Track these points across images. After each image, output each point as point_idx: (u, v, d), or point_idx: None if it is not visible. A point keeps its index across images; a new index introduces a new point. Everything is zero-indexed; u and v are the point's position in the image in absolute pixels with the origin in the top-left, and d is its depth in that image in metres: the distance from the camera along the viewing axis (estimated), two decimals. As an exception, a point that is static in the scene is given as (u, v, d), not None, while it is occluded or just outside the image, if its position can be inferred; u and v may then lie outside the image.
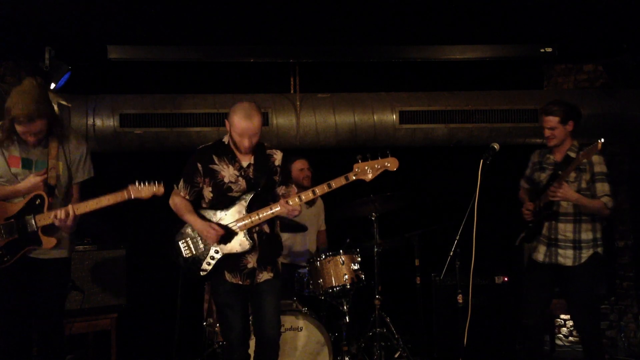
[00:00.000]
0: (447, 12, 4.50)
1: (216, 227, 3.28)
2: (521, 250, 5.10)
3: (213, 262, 3.34)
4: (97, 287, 4.68)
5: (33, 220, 3.23)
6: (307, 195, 3.30)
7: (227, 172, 3.35)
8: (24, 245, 3.24)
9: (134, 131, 5.08)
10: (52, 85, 4.71)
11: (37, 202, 3.24)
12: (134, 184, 3.25)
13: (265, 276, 3.38)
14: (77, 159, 3.39)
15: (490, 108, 5.31)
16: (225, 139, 3.42)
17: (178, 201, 3.41)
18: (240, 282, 3.35)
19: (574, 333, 5.68)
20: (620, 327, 5.63)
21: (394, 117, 5.25)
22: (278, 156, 3.48)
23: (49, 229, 3.25)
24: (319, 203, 5.05)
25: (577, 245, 3.79)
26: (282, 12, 4.46)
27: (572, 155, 3.80)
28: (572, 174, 3.74)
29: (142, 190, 3.24)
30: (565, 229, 3.81)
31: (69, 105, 5.02)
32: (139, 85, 5.42)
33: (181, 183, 3.41)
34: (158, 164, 5.49)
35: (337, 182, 3.28)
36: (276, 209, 3.27)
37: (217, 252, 3.34)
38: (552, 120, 3.78)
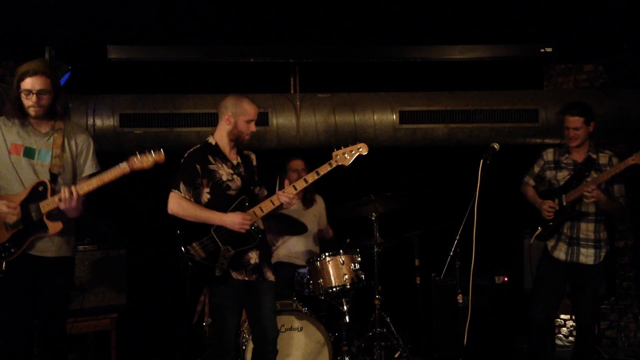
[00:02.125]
0: (447, 12, 4.50)
1: (246, 214, 3.36)
2: (521, 250, 5.11)
3: (226, 260, 3.37)
4: (97, 287, 4.68)
5: (37, 208, 3.21)
6: (300, 184, 3.44)
7: (224, 171, 3.45)
8: (30, 234, 3.23)
9: (133, 131, 5.07)
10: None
11: (40, 189, 3.23)
12: (135, 155, 3.23)
13: (270, 276, 3.52)
14: (84, 152, 3.40)
15: (490, 108, 5.30)
16: (212, 140, 3.53)
17: (185, 203, 3.36)
18: (246, 278, 3.41)
19: (574, 333, 5.68)
20: (620, 327, 5.63)
21: (394, 117, 5.25)
22: (253, 157, 3.70)
23: (54, 215, 3.24)
24: (319, 203, 5.05)
25: (597, 244, 3.92)
26: (282, 12, 4.45)
27: (593, 156, 3.94)
28: (594, 174, 3.87)
29: (143, 160, 3.22)
30: (588, 229, 3.93)
31: (69, 105, 5.01)
32: (139, 85, 5.42)
33: (182, 187, 3.37)
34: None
35: (323, 169, 3.47)
36: (277, 200, 3.41)
37: (228, 250, 3.37)
38: (578, 120, 3.89)
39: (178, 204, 3.36)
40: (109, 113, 5.07)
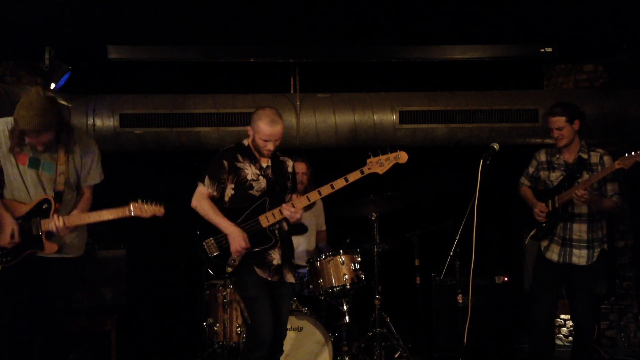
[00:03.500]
0: (447, 12, 4.50)
1: (247, 241, 3.38)
2: (522, 250, 5.12)
3: (238, 258, 3.43)
4: (97, 287, 4.68)
5: (38, 224, 3.24)
6: (326, 190, 3.45)
7: (250, 171, 3.53)
8: (26, 248, 3.25)
9: (134, 131, 5.07)
10: (52, 85, 4.71)
11: (44, 207, 3.26)
12: (136, 201, 3.30)
13: (291, 278, 3.58)
14: (88, 163, 3.42)
15: (490, 108, 5.30)
16: (245, 142, 3.61)
17: (205, 203, 3.49)
18: (269, 278, 3.47)
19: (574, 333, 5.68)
20: (620, 327, 5.63)
21: (394, 117, 5.25)
22: (290, 163, 3.73)
23: (53, 235, 3.26)
24: (319, 204, 5.04)
25: (590, 245, 3.91)
26: (282, 12, 4.45)
27: (584, 156, 3.92)
28: (585, 175, 3.85)
29: (143, 209, 3.30)
30: (580, 229, 3.92)
31: (69, 105, 5.02)
32: (139, 85, 5.42)
33: (207, 180, 3.51)
34: (158, 164, 5.49)
35: (353, 176, 3.45)
36: (279, 214, 3.44)
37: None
38: (559, 120, 3.87)
39: (198, 201, 3.52)
40: (109, 113, 5.07)
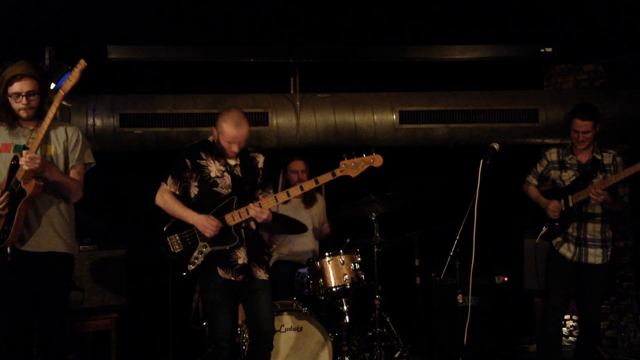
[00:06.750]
0: (447, 12, 4.50)
1: (215, 219, 3.35)
2: (521, 250, 5.12)
3: (201, 256, 3.42)
4: (97, 287, 4.68)
5: (15, 180, 3.21)
6: (295, 191, 3.41)
7: (214, 167, 3.47)
8: (15, 206, 3.19)
9: (133, 131, 5.07)
10: (52, 85, 4.71)
11: (12, 163, 3.22)
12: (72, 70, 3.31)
13: (262, 275, 3.49)
14: (73, 143, 3.42)
15: (490, 108, 5.31)
16: (211, 139, 3.57)
17: (168, 197, 3.48)
18: (232, 278, 3.43)
19: (574, 333, 5.68)
20: (620, 327, 5.63)
21: (394, 117, 5.25)
22: (260, 159, 3.64)
23: (29, 177, 3.18)
24: (320, 202, 5.05)
25: (605, 244, 3.96)
26: (281, 12, 4.46)
27: (598, 156, 3.97)
28: (600, 175, 3.91)
29: (71, 75, 3.28)
30: (594, 229, 3.96)
31: (69, 105, 5.02)
32: (139, 85, 5.42)
33: (170, 179, 3.48)
34: (158, 164, 5.48)
35: (324, 178, 3.40)
36: (245, 213, 3.38)
37: (205, 247, 3.42)
38: (588, 124, 3.90)
39: (161, 196, 3.50)
40: (109, 113, 5.07)
